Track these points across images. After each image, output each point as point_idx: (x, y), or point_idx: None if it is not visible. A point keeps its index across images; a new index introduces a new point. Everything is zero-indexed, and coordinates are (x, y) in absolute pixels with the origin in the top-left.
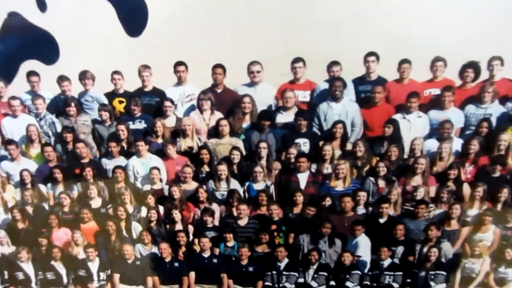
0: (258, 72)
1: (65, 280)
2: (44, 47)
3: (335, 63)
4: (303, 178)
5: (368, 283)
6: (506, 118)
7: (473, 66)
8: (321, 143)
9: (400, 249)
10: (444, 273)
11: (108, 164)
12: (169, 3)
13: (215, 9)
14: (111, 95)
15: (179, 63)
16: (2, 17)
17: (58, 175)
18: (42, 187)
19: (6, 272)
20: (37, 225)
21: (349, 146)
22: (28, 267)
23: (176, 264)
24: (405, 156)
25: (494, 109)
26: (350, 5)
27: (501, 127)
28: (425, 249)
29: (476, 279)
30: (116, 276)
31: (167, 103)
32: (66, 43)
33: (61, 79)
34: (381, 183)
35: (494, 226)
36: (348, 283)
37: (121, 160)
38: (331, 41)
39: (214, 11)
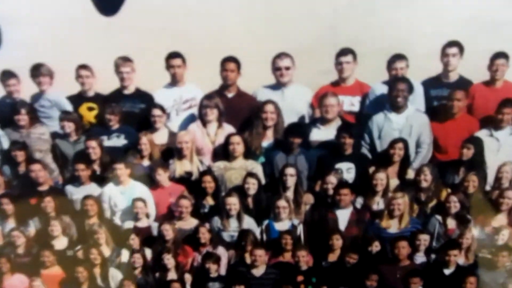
0: (288, 68)
1: None
2: None
3: (398, 57)
4: (344, 216)
5: None
6: None
7: None
8: (372, 169)
9: None
10: None
11: (75, 193)
12: None
13: None
14: (77, 99)
15: (174, 55)
16: None
17: (7, 206)
18: None
19: None
20: None
21: (411, 174)
22: None
23: None
24: (488, 188)
25: None
26: None
27: None
28: None
29: None
30: None
31: (157, 111)
32: (11, 23)
33: (6, 75)
34: (451, 223)
35: None
36: None
37: (92, 188)
38: (393, 26)
39: None
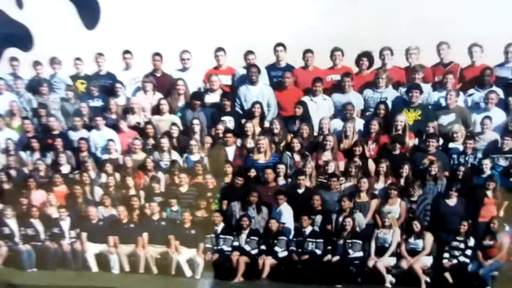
0: (188, 59)
1: (42, 236)
2: (22, 38)
3: (250, 52)
4: (231, 152)
5: (294, 248)
6: (400, 101)
7: (367, 55)
8: (243, 120)
9: (318, 218)
10: (360, 242)
11: (74, 136)
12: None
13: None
14: (74, 78)
15: (126, 51)
16: None
17: (35, 144)
18: (22, 154)
19: None
20: (19, 187)
21: (267, 124)
22: (13, 223)
23: (132, 226)
24: (316, 134)
25: (389, 93)
26: None
27: (396, 109)
28: (340, 219)
29: (389, 249)
30: (84, 235)
31: (118, 85)
32: (39, 34)
33: (36, 63)
34: (297, 157)
35: (400, 199)
36: (276, 248)
37: (83, 133)
38: (243, 31)
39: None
